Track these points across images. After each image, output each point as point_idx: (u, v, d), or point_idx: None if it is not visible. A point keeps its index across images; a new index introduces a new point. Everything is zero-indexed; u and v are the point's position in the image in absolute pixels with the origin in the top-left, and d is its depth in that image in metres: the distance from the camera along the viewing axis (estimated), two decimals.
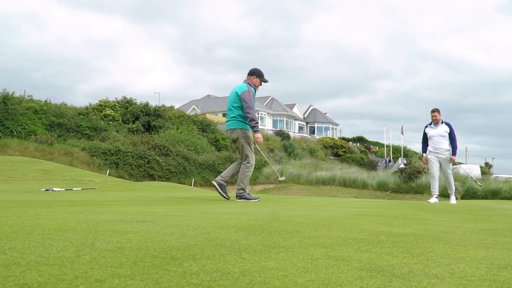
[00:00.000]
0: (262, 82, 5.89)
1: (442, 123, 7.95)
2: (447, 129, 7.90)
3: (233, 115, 5.68)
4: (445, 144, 7.91)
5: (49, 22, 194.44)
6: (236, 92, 5.67)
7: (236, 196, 5.76)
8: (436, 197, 8.13)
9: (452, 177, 8.20)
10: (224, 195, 5.76)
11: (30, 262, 1.20)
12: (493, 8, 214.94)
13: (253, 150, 5.74)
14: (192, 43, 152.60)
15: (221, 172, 28.12)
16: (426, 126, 8.18)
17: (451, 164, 8.04)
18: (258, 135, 5.75)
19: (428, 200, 8.10)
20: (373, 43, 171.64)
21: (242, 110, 5.61)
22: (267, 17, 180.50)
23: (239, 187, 5.68)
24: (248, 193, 5.75)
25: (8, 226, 1.94)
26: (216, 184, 5.70)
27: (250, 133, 5.71)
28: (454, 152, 7.93)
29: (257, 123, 5.74)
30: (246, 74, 5.87)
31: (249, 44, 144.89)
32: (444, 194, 18.23)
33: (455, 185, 19.35)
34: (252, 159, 5.72)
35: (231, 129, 5.71)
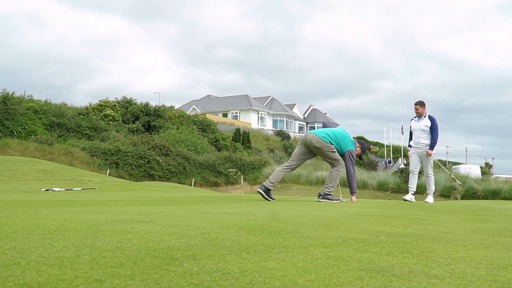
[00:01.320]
0: (358, 156, 6.38)
1: (425, 116, 7.58)
2: (428, 123, 7.53)
3: (330, 139, 5.97)
4: (425, 139, 7.56)
5: (48, 22, 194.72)
6: (346, 139, 6.05)
7: (319, 195, 6.01)
8: (413, 194, 7.80)
9: (431, 176, 7.78)
10: (270, 199, 5.84)
11: (30, 262, 1.20)
12: (493, 8, 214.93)
13: (338, 156, 6.07)
14: (192, 43, 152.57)
15: (221, 171, 27.73)
16: (412, 119, 7.86)
17: (431, 160, 7.63)
18: (354, 197, 6.37)
19: (404, 197, 7.81)
20: (373, 43, 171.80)
21: (337, 147, 6.01)
22: (267, 16, 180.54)
23: (327, 187, 5.95)
24: (332, 196, 6.01)
25: (8, 226, 1.94)
26: (262, 191, 5.81)
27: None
28: (431, 146, 7.54)
29: (356, 182, 6.29)
30: (356, 140, 6.32)
31: (249, 44, 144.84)
32: (444, 194, 18.24)
33: (455, 185, 19.30)
34: (342, 161, 6.07)
35: (318, 138, 5.94)
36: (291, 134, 49.44)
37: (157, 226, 2.12)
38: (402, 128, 50.08)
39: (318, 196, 6.05)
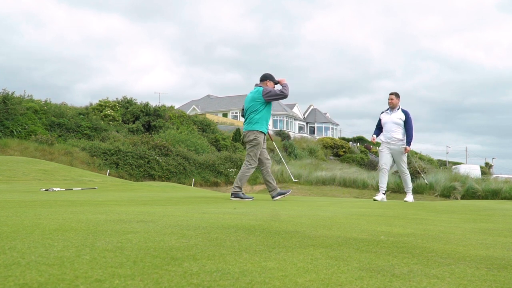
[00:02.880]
0: (274, 84, 6.16)
1: (398, 109, 7.12)
2: (402, 116, 7.04)
3: (248, 118, 5.98)
4: (398, 133, 7.02)
5: (47, 21, 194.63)
6: (253, 96, 5.94)
7: (232, 194, 5.92)
8: (384, 193, 7.23)
9: (407, 172, 7.23)
10: (285, 193, 6.14)
11: (30, 262, 1.20)
12: (493, 6, 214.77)
13: (257, 155, 5.98)
14: (192, 43, 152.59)
15: (221, 171, 27.71)
16: (382, 112, 7.34)
17: (405, 156, 7.11)
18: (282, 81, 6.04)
19: (374, 197, 7.17)
20: (373, 43, 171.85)
21: (257, 113, 5.89)
22: (266, 16, 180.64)
23: (236, 186, 5.87)
24: (243, 193, 5.95)
25: (8, 226, 1.94)
26: (273, 199, 6.03)
27: (262, 137, 5.97)
28: (408, 142, 7.03)
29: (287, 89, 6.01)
30: (259, 81, 6.12)
31: (248, 43, 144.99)
32: (444, 194, 18.23)
33: (455, 185, 19.30)
34: (255, 162, 5.97)
35: (245, 132, 6.03)
36: (291, 134, 49.41)
37: (157, 226, 2.12)
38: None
39: (231, 195, 5.95)
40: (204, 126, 33.99)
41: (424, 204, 6.53)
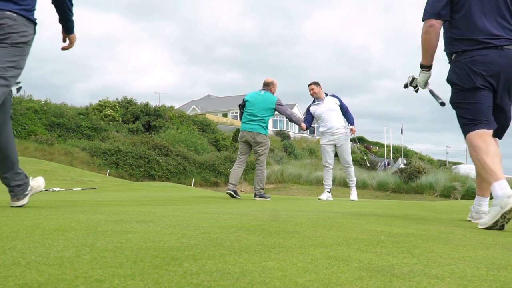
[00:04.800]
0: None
1: (327, 96, 6.63)
2: (336, 100, 6.57)
3: (260, 121, 6.25)
4: (339, 120, 6.55)
5: (46, 20, 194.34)
6: (267, 100, 6.28)
7: (256, 195, 6.35)
8: (329, 192, 6.70)
9: (351, 165, 6.69)
10: (237, 197, 6.36)
11: (30, 262, 1.20)
12: None
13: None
14: (192, 42, 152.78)
15: (221, 171, 27.95)
16: (310, 105, 6.81)
17: (349, 145, 6.63)
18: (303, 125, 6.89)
19: (319, 197, 6.74)
20: (373, 42, 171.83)
21: (268, 117, 6.29)
22: (266, 14, 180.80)
23: (260, 188, 6.33)
24: (265, 193, 6.48)
25: (8, 226, 1.94)
26: (232, 192, 6.28)
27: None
28: (351, 123, 6.59)
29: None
30: (264, 85, 6.46)
31: (248, 42, 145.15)
32: (444, 194, 18.23)
33: (455, 185, 19.32)
34: (264, 160, 6.46)
35: (255, 132, 6.21)
36: (291, 134, 49.43)
37: (157, 226, 2.12)
38: (402, 128, 50.14)
39: (254, 196, 6.40)
40: (204, 126, 34.00)
41: (424, 204, 6.53)
